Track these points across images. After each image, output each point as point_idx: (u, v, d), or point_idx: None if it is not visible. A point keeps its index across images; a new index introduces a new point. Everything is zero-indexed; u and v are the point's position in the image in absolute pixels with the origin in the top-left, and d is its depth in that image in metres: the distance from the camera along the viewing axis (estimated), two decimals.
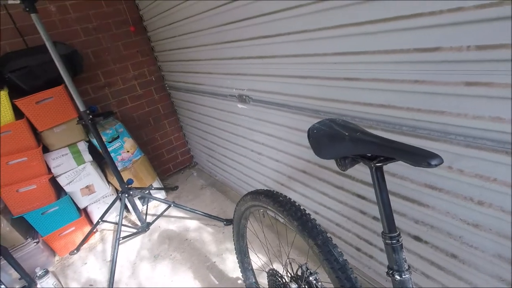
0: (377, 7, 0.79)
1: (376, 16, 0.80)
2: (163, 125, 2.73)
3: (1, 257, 1.73)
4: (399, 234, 0.59)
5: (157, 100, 2.64)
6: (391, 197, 1.01)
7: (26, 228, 1.97)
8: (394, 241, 0.59)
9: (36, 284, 1.73)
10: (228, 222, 1.98)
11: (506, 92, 0.64)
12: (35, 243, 1.94)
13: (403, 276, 0.58)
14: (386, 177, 0.99)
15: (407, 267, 0.59)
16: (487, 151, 0.72)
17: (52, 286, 1.72)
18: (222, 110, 1.87)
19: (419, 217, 0.99)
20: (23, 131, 1.79)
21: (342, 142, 0.62)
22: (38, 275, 1.70)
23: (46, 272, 1.72)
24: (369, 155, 0.61)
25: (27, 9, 1.44)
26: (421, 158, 0.49)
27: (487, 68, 0.65)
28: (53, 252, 2.10)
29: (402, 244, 0.60)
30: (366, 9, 0.82)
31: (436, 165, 0.48)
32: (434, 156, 0.48)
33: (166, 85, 2.62)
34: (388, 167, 0.99)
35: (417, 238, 1.03)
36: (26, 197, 1.86)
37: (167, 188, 2.59)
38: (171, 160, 2.87)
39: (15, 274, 1.81)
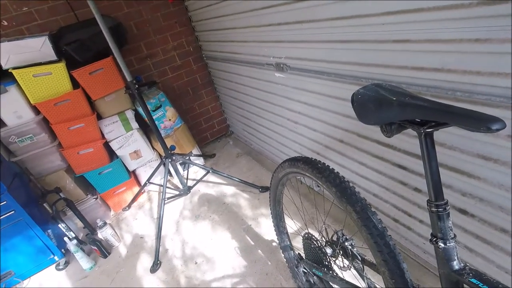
0: None
1: None
2: (201, 95, 2.80)
3: (68, 208, 2.00)
4: (446, 203, 0.57)
5: (195, 70, 2.69)
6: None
7: (86, 185, 2.22)
8: (440, 209, 0.57)
9: (96, 233, 1.97)
10: (264, 189, 2.04)
11: None
12: (95, 199, 2.19)
13: (447, 244, 0.57)
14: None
15: (452, 235, 0.57)
16: None
17: (110, 235, 1.96)
18: (259, 79, 1.86)
19: (467, 189, 0.94)
20: (80, 100, 1.95)
21: (390, 107, 0.59)
22: (98, 225, 1.94)
23: (105, 223, 1.96)
24: (419, 120, 0.58)
25: None
26: (480, 122, 0.45)
27: None
28: (109, 208, 2.37)
29: (449, 212, 0.58)
30: None
31: (497, 130, 0.44)
32: (495, 120, 0.44)
33: (204, 55, 2.64)
34: (436, 136, 0.93)
35: (462, 211, 0.98)
36: (85, 159, 2.07)
37: (205, 156, 2.71)
38: (208, 129, 2.96)
39: (80, 224, 2.10)
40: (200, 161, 2.64)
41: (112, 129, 2.17)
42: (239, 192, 2.13)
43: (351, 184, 0.85)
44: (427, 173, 0.59)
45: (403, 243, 1.35)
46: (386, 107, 0.60)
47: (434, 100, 0.55)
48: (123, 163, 2.28)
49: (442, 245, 0.57)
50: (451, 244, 0.57)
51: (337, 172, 0.89)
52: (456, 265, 0.58)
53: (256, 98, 2.04)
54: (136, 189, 2.37)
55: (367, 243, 0.78)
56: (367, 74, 1.07)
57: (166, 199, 2.01)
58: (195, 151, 2.59)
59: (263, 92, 1.90)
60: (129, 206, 2.35)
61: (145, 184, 2.31)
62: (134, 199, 2.35)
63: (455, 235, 0.58)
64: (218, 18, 1.96)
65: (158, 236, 1.82)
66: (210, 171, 2.21)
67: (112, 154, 2.26)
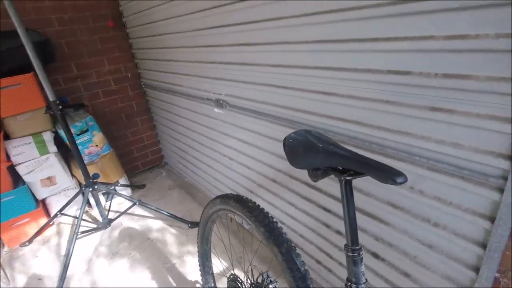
0: (356, 26, 0.82)
1: (355, 35, 0.83)
2: (135, 122, 2.65)
3: None
4: (360, 248, 0.61)
5: (131, 97, 2.56)
6: (356, 212, 1.05)
7: None
8: (355, 254, 0.60)
9: None
10: (193, 224, 1.93)
11: (466, 120, 0.69)
12: None
13: None
14: (354, 192, 1.02)
15: (364, 280, 0.60)
16: (446, 175, 0.77)
17: None
18: (198, 112, 1.85)
19: (379, 234, 1.02)
20: None
21: (316, 153, 0.63)
22: None
23: None
24: (340, 168, 0.62)
25: None
26: (388, 175, 0.51)
27: (451, 95, 0.69)
28: (1, 243, 1.94)
29: (362, 257, 0.61)
30: (346, 27, 0.85)
31: (401, 183, 0.50)
32: (400, 174, 0.50)
33: (142, 83, 2.55)
34: (356, 183, 1.02)
35: (375, 255, 1.06)
36: None
37: (133, 186, 2.50)
38: (140, 158, 2.78)
39: None
40: (127, 191, 2.41)
41: (22, 151, 1.87)
42: (166, 227, 1.97)
43: (279, 225, 0.85)
44: (345, 218, 0.62)
45: (324, 285, 1.38)
46: (313, 153, 0.64)
47: (353, 151, 0.60)
48: (31, 190, 1.95)
49: None
50: None
51: (267, 212, 0.90)
52: None
53: (194, 131, 2.01)
54: (44, 220, 2.03)
55: (289, 286, 0.77)
56: (300, 119, 1.15)
57: (79, 232, 1.75)
58: (123, 181, 2.37)
59: (201, 126, 1.89)
60: (30, 241, 1.97)
61: (55, 215, 1.99)
62: (38, 233, 1.99)
63: (366, 280, 0.61)
64: (160, 49, 1.95)
65: (62, 278, 1.55)
66: (137, 203, 2.02)
67: (18, 180, 1.92)
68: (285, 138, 0.69)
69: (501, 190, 0.67)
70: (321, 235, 1.28)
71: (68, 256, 1.61)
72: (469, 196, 0.74)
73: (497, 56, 0.60)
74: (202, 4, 1.36)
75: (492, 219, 0.71)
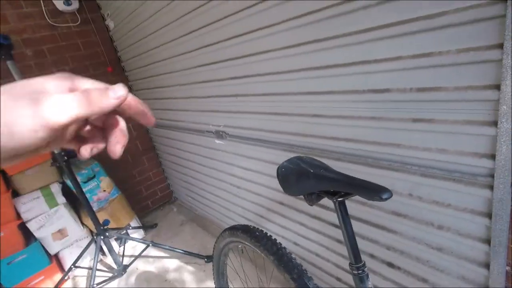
0: (336, 53, 0.89)
1: (336, 61, 0.90)
2: (141, 161, 2.71)
3: None
4: (364, 264, 0.64)
5: (135, 136, 2.65)
6: (364, 225, 1.07)
7: None
8: (360, 271, 0.63)
9: None
10: (209, 259, 1.93)
11: (446, 127, 0.74)
12: None
13: None
14: (358, 206, 1.05)
15: None
16: (439, 179, 0.80)
17: None
18: (200, 145, 1.91)
19: (390, 243, 1.04)
20: None
21: (308, 179, 0.67)
22: None
23: None
24: (332, 190, 0.66)
25: (3, 56, 1.46)
26: (373, 193, 0.55)
27: (428, 106, 0.75)
28: None
29: (367, 274, 0.64)
30: (326, 55, 0.92)
31: (386, 199, 0.53)
32: (384, 190, 0.54)
33: None
34: (359, 198, 1.05)
35: (390, 264, 1.07)
36: None
37: (145, 227, 2.51)
38: (150, 196, 2.81)
39: None
40: (140, 233, 2.43)
41: (32, 206, 1.92)
42: (183, 265, 1.97)
43: (288, 250, 0.88)
44: (345, 237, 0.66)
45: None
46: (305, 179, 0.68)
47: (341, 173, 0.64)
48: (43, 245, 1.97)
49: None
50: None
51: (275, 239, 0.93)
52: None
53: (199, 163, 2.06)
54: (59, 276, 2.02)
55: None
56: (297, 142, 1.20)
57: (95, 285, 1.75)
58: (134, 223, 2.39)
59: (205, 158, 1.94)
60: None
61: (69, 269, 1.98)
62: None
63: None
64: (158, 88, 2.06)
65: None
66: (150, 244, 2.04)
67: (29, 236, 1.95)
68: (278, 167, 0.74)
69: (491, 187, 0.70)
70: (336, 252, 1.29)
71: None
72: (464, 196, 0.77)
73: (461, 69, 0.66)
74: (193, 44, 1.47)
75: (489, 216, 0.74)
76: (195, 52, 1.49)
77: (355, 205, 1.07)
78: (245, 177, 1.63)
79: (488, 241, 0.77)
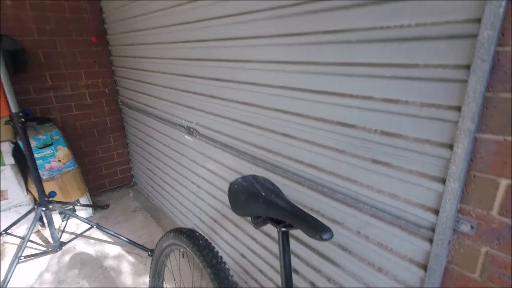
0: (313, 79, 0.89)
1: (311, 86, 0.90)
2: (107, 139, 2.59)
3: None
4: None
5: (106, 112, 2.53)
6: (311, 252, 1.07)
7: None
8: None
9: None
10: (153, 253, 1.86)
11: (401, 175, 0.75)
12: None
13: None
14: None
15: None
16: (386, 223, 0.81)
17: None
18: (169, 137, 1.85)
19: (331, 275, 1.04)
20: None
21: (257, 202, 0.65)
22: None
23: None
24: (278, 219, 0.65)
25: None
26: (315, 230, 0.54)
27: (388, 151, 0.76)
28: None
29: None
30: (305, 78, 0.92)
31: (326, 239, 0.53)
32: (326, 230, 0.53)
33: (119, 100, 2.54)
34: None
35: None
36: None
37: (96, 206, 2.39)
38: (108, 176, 2.69)
39: None
40: (88, 212, 2.30)
41: None
42: (124, 254, 1.88)
43: (226, 266, 0.85)
44: (281, 265, 0.64)
45: None
46: (254, 201, 0.66)
47: (291, 203, 0.63)
48: None
49: None
50: None
51: (217, 251, 0.90)
52: None
53: (165, 154, 2.00)
54: None
55: None
56: (263, 156, 1.18)
57: (23, 256, 1.63)
58: (84, 200, 2.27)
59: (172, 151, 1.88)
60: None
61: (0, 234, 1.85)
62: None
63: None
64: (140, 70, 1.98)
65: None
66: (95, 226, 1.93)
67: None
68: (230, 183, 0.72)
69: (431, 241, 0.72)
70: (279, 272, 1.28)
71: (5, 283, 1.49)
72: (406, 244, 0.79)
73: (422, 122, 0.68)
74: (182, 35, 1.42)
75: (425, 268, 0.75)
76: (182, 44, 1.45)
77: None
78: (206, 178, 1.60)
79: None
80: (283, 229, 0.61)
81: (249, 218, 0.70)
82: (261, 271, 1.39)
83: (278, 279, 1.30)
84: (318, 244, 1.05)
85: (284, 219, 0.59)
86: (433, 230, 0.72)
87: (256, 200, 0.64)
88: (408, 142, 0.71)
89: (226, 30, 1.16)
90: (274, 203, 0.61)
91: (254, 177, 0.72)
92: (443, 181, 0.67)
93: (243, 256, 1.49)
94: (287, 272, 0.62)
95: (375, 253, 0.88)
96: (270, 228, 1.25)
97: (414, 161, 0.71)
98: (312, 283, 1.12)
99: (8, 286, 1.48)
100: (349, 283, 0.98)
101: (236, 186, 0.70)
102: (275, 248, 1.26)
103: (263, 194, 0.64)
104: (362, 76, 0.76)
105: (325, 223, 0.56)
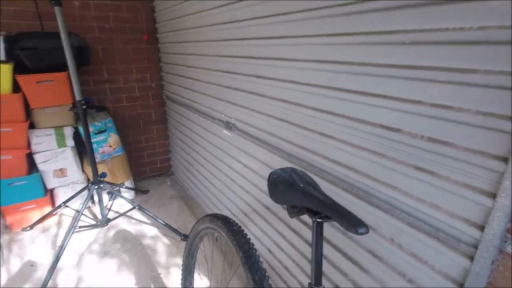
0: (358, 79, 0.88)
1: (357, 87, 0.89)
2: (151, 130, 2.78)
3: None
4: None
5: (152, 105, 2.71)
6: (339, 255, 1.07)
7: None
8: None
9: None
10: (186, 237, 1.97)
11: (445, 185, 0.72)
12: None
13: None
14: (339, 234, 1.05)
15: None
16: (423, 233, 0.78)
17: None
18: (208, 130, 1.94)
19: (358, 280, 1.02)
20: (16, 104, 1.83)
21: (295, 192, 0.68)
22: None
23: None
24: (314, 209, 0.66)
25: (53, 1, 1.54)
26: (351, 224, 0.55)
27: (434, 158, 0.73)
28: (6, 224, 2.05)
29: None
30: (350, 79, 0.91)
31: (362, 234, 0.53)
32: (362, 225, 0.54)
33: (164, 94, 2.70)
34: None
35: None
36: None
37: (137, 190, 2.58)
38: (149, 164, 2.88)
39: None
40: (131, 194, 2.49)
41: (43, 141, 2.01)
42: (160, 236, 2.02)
43: (257, 253, 0.88)
44: (312, 257, 0.66)
45: None
46: (293, 191, 0.69)
47: (329, 197, 0.64)
48: (42, 179, 2.07)
49: None
50: None
51: (249, 238, 0.93)
52: None
53: (202, 147, 2.09)
54: (48, 209, 2.12)
55: None
56: (299, 155, 1.20)
57: (77, 226, 1.82)
58: (128, 183, 2.46)
59: (209, 144, 1.97)
60: (31, 226, 2.06)
61: (59, 206, 2.09)
62: (40, 220, 2.08)
63: None
64: (185, 67, 2.09)
65: (52, 267, 1.60)
66: (137, 207, 2.09)
67: (33, 167, 2.05)
68: (270, 173, 0.74)
69: (472, 258, 0.68)
70: (305, 272, 1.28)
71: (62, 248, 1.68)
72: (443, 258, 0.75)
73: (475, 131, 0.64)
74: (227, 34, 1.48)
75: (461, 286, 0.72)
76: (226, 42, 1.51)
77: (336, 232, 1.07)
78: (241, 172, 1.64)
79: None
80: (319, 220, 0.62)
81: (285, 207, 0.72)
82: (286, 268, 1.41)
83: (302, 278, 1.30)
84: (347, 247, 1.04)
85: (321, 210, 0.61)
86: (475, 247, 0.68)
87: (294, 190, 0.66)
88: (458, 151, 0.67)
89: (274, 29, 1.19)
90: (312, 195, 0.63)
91: (293, 169, 0.74)
92: (493, 196, 0.63)
93: (270, 251, 1.52)
94: (318, 263, 0.63)
95: (408, 263, 0.85)
96: (299, 226, 1.26)
97: (462, 172, 0.68)
98: (336, 286, 1.11)
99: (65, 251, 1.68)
100: None
101: (275, 176, 0.73)
102: (303, 246, 1.27)
103: (301, 185, 0.66)
104: (413, 79, 0.74)
105: None
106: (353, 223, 0.55)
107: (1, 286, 1.60)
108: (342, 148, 0.99)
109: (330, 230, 1.09)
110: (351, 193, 0.98)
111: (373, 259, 0.94)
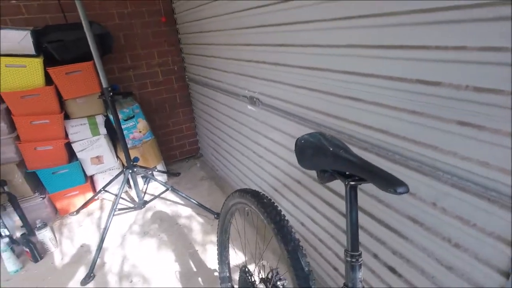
0: (387, 32, 0.80)
1: (385, 42, 0.82)
2: (177, 113, 2.82)
3: (10, 203, 1.86)
4: (360, 254, 0.61)
5: (175, 89, 2.73)
6: (375, 223, 1.03)
7: (36, 183, 2.10)
8: (354, 260, 0.61)
9: (34, 234, 1.83)
10: (218, 216, 2.00)
11: (496, 138, 0.64)
12: (42, 198, 2.07)
13: None
14: (374, 202, 1.00)
15: (361, 286, 0.60)
16: (471, 194, 0.72)
17: (48, 239, 1.83)
18: (233, 108, 1.92)
19: (397, 248, 0.98)
20: (50, 97, 1.92)
21: (325, 156, 0.64)
22: (37, 226, 1.81)
23: (45, 225, 1.83)
24: (347, 173, 0.63)
25: None
26: (389, 183, 0.51)
27: (481, 110, 0.65)
28: (55, 210, 2.23)
29: (361, 264, 0.61)
30: (375, 33, 0.83)
31: (401, 193, 0.49)
32: (401, 184, 0.50)
33: (187, 76, 2.70)
34: (377, 193, 1.00)
35: (392, 269, 1.02)
36: (41, 155, 1.99)
37: (169, 173, 2.67)
38: (178, 147, 2.95)
39: (18, 222, 1.94)
40: (163, 177, 2.59)
41: (78, 130, 2.12)
42: (194, 215, 2.09)
43: (289, 224, 0.87)
44: (347, 222, 0.63)
45: None
46: (322, 155, 0.65)
47: (361, 158, 0.60)
48: (82, 166, 2.20)
49: None
50: None
51: (280, 210, 0.92)
52: None
53: (229, 126, 2.09)
54: (90, 195, 2.27)
55: (292, 283, 0.79)
56: (327, 123, 1.14)
57: (117, 209, 1.93)
58: (160, 167, 2.54)
59: (235, 122, 1.95)
60: (77, 211, 2.23)
61: (99, 191, 2.22)
62: (84, 205, 2.24)
63: (363, 287, 0.60)
64: (205, 45, 2.06)
65: (99, 247, 1.72)
66: (170, 189, 2.17)
67: (72, 156, 2.18)
68: (297, 138, 0.71)
69: None
70: (340, 242, 1.26)
71: (105, 230, 1.79)
72: (495, 219, 0.69)
73: None
74: (245, 4, 1.42)
75: None
76: (243, 12, 1.44)
77: (371, 200, 1.02)
78: (269, 147, 1.62)
79: (507, 274, 0.69)
80: (352, 183, 0.59)
81: (315, 174, 0.69)
82: (320, 240, 1.40)
83: (337, 248, 1.28)
84: (384, 215, 0.99)
85: (354, 172, 0.57)
86: None
87: (324, 154, 0.62)
88: (510, 98, 0.59)
89: None
90: (343, 157, 0.59)
91: (321, 133, 0.70)
92: None
93: (302, 224, 1.51)
94: (354, 229, 0.60)
95: (453, 227, 0.79)
96: (331, 196, 1.23)
97: None
98: (375, 255, 1.08)
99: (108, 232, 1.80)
100: (417, 257, 0.91)
101: (303, 141, 0.69)
102: (336, 217, 1.24)
103: (331, 149, 0.62)
104: (452, 21, 0.65)
105: None
106: (391, 183, 0.51)
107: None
108: (373, 110, 0.92)
109: (365, 198, 1.04)
110: (386, 158, 0.92)
111: (413, 225, 0.89)
